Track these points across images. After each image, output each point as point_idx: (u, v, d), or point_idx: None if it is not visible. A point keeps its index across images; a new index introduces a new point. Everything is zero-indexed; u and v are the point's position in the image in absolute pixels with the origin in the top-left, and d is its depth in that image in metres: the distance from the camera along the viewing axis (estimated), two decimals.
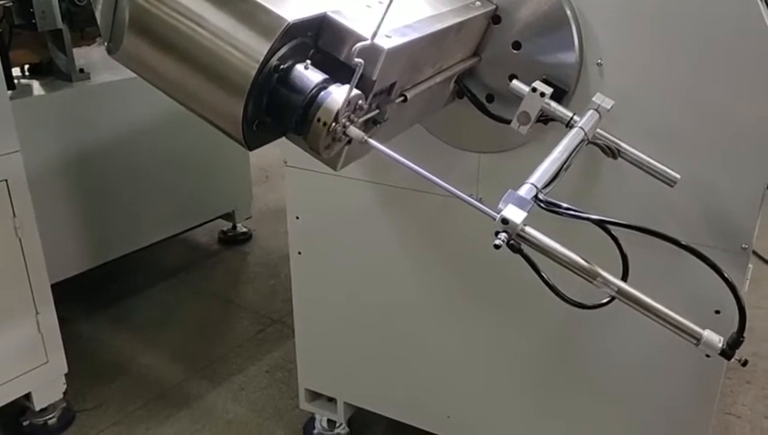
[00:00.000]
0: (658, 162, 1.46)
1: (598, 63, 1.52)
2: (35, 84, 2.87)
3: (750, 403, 2.63)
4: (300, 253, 2.13)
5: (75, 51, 2.89)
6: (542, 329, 1.84)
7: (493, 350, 1.93)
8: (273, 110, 1.12)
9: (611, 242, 1.26)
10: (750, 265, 1.57)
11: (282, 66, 1.09)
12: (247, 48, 1.06)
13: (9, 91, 2.19)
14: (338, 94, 1.09)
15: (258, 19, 1.07)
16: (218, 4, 1.08)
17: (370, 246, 2.00)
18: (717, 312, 1.57)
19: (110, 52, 1.20)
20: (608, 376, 1.80)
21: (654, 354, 1.70)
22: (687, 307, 1.58)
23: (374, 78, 1.16)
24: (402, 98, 1.34)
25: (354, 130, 1.13)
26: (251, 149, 1.19)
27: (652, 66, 1.48)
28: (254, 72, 1.06)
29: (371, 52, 1.13)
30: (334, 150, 1.17)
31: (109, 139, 2.96)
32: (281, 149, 2.08)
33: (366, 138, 1.13)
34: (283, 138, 1.24)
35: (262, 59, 1.05)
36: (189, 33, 1.09)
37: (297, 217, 2.09)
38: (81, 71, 2.89)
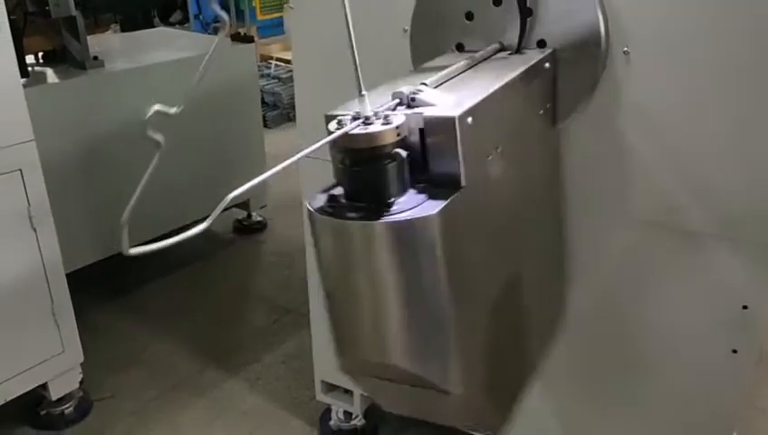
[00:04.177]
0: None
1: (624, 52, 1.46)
2: (49, 72, 2.86)
3: None
4: None
5: (89, 38, 2.87)
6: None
7: None
8: None
9: None
10: None
11: None
12: None
13: (23, 79, 2.17)
14: None
15: None
16: None
17: None
18: (745, 307, 1.52)
19: None
20: (630, 367, 1.76)
21: (680, 347, 1.65)
22: (714, 302, 1.55)
23: None
24: None
25: None
26: None
27: (684, 53, 1.42)
28: None
29: None
30: None
31: (123, 127, 2.94)
32: (296, 138, 2.06)
33: None
34: None
35: None
36: None
37: None
38: (96, 58, 2.88)
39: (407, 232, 0.94)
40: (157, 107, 1.02)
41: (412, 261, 0.96)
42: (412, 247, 0.95)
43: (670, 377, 1.70)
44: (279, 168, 0.95)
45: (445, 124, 1.00)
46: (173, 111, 1.04)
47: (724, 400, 1.66)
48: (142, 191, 1.04)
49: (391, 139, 0.97)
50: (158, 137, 1.03)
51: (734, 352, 1.54)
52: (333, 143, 0.99)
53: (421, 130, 1.00)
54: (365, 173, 0.98)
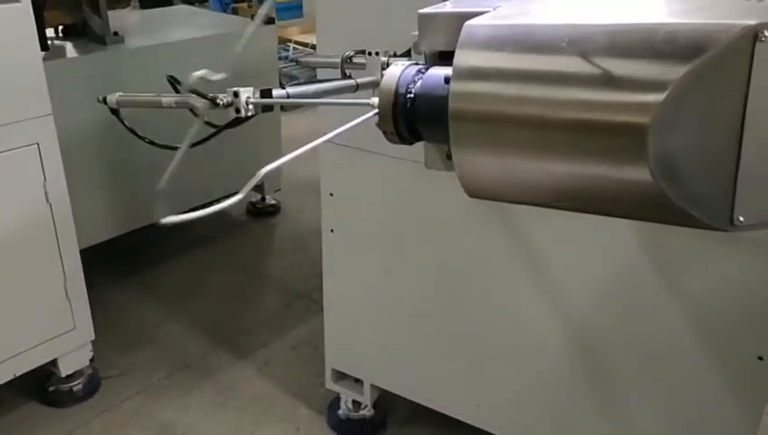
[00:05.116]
0: None
1: None
2: (69, 46, 2.84)
3: None
4: (332, 231, 2.07)
5: (110, 13, 2.85)
6: (575, 321, 1.77)
7: (526, 341, 1.87)
8: None
9: None
10: None
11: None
12: None
13: (42, 53, 2.14)
14: None
15: None
16: None
17: (407, 227, 1.93)
18: (760, 358, 1.49)
19: None
20: (645, 373, 1.72)
21: (706, 353, 1.62)
22: (742, 308, 1.51)
23: None
24: None
25: None
26: None
27: None
28: None
29: None
30: None
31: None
32: (312, 121, 2.02)
33: None
34: None
35: None
36: None
37: (331, 194, 2.03)
38: (116, 34, 2.85)
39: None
40: (201, 72, 0.99)
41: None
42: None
43: (695, 382, 1.67)
44: (311, 145, 0.93)
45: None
46: (216, 77, 1.02)
47: (749, 406, 1.63)
48: (162, 169, 1.02)
49: (397, 72, 0.94)
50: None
51: (760, 359, 1.51)
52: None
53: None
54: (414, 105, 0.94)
